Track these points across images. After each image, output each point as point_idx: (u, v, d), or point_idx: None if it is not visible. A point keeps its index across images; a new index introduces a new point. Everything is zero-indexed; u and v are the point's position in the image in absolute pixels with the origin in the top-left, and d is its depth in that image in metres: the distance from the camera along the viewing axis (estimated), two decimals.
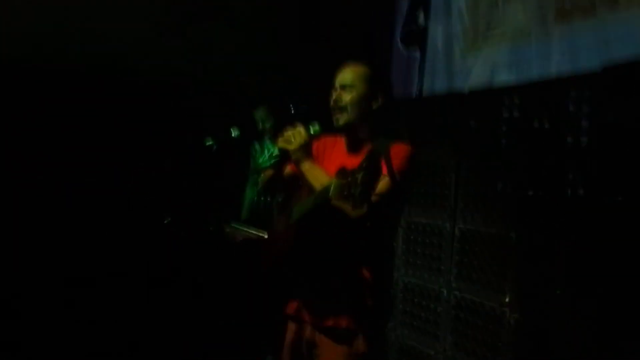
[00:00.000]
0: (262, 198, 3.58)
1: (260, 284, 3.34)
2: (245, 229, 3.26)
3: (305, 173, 1.68)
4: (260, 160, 3.67)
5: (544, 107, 2.21)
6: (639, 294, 1.75)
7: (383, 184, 1.47)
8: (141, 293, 3.76)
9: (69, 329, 3.49)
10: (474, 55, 3.52)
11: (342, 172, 1.41)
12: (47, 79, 3.73)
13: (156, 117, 3.99)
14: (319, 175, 1.65)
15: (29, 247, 3.57)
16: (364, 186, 1.31)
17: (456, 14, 3.68)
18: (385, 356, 2.91)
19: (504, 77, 3.22)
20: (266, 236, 3.03)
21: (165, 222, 3.12)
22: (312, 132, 1.77)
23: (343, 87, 1.75)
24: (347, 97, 1.74)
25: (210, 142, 3.30)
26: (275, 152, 1.81)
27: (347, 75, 1.77)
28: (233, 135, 3.36)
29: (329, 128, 1.85)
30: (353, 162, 1.71)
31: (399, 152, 1.67)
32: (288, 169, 1.89)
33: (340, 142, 1.86)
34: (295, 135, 1.72)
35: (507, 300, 2.25)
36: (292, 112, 3.99)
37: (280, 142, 1.75)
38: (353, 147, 1.80)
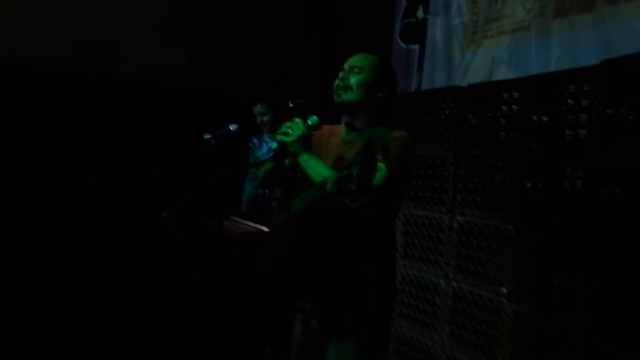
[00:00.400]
0: (260, 192, 3.59)
1: (259, 278, 3.36)
2: (244, 223, 3.26)
3: (303, 165, 1.67)
4: (259, 154, 3.69)
5: (542, 101, 2.23)
6: (636, 287, 1.78)
7: (381, 174, 1.45)
8: (140, 286, 3.77)
9: (68, 324, 3.50)
10: (473, 50, 3.54)
11: (338, 166, 1.41)
12: (45, 76, 3.73)
13: (154, 112, 4.00)
14: (317, 167, 1.64)
15: (28, 245, 3.57)
16: (360, 180, 1.30)
17: (455, 8, 3.70)
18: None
19: (503, 72, 3.24)
20: (265, 229, 3.05)
21: (164, 215, 3.11)
22: (310, 123, 1.77)
23: (352, 68, 1.75)
24: (354, 79, 1.74)
25: (209, 137, 3.32)
26: (274, 145, 1.81)
27: (359, 59, 1.78)
28: (231, 129, 3.38)
29: (327, 121, 1.86)
30: (350, 152, 1.72)
31: (397, 139, 1.66)
32: (287, 162, 1.89)
33: (337, 132, 1.86)
34: (293, 128, 1.72)
35: (505, 291, 2.27)
36: (290, 106, 4.00)
37: (278, 135, 1.75)
38: (350, 137, 1.80)
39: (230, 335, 3.41)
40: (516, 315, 2.22)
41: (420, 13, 4.07)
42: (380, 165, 1.44)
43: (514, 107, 2.40)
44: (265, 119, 3.59)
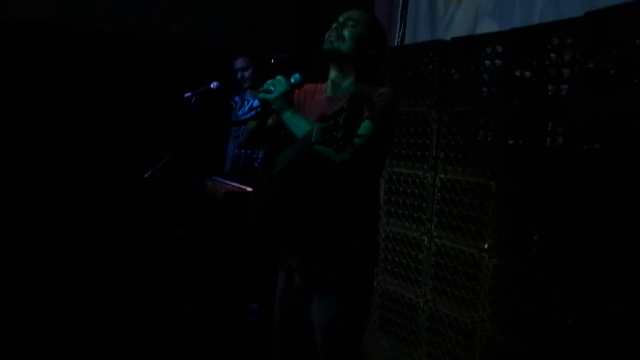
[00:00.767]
0: (243, 152, 3.55)
1: (244, 235, 3.38)
2: (228, 183, 3.25)
3: (286, 122, 1.66)
4: (240, 113, 3.62)
5: (525, 55, 2.20)
6: (615, 238, 1.81)
7: (366, 126, 1.44)
8: (126, 248, 3.78)
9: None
10: (457, 2, 3.46)
11: (323, 116, 1.39)
12: (16, 30, 3.57)
13: (131, 68, 3.88)
14: (300, 123, 1.63)
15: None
16: (347, 128, 1.28)
17: None
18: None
19: (487, 24, 3.19)
20: (249, 190, 3.04)
21: (145, 176, 3.07)
22: (292, 81, 1.74)
23: (347, 20, 1.75)
24: (348, 31, 1.73)
25: (189, 94, 3.24)
26: (256, 103, 1.77)
27: (355, 13, 1.77)
28: (212, 87, 3.30)
29: (310, 77, 1.82)
30: (334, 108, 1.70)
31: (382, 95, 1.65)
32: (270, 120, 1.86)
33: (321, 90, 1.84)
34: (275, 85, 1.69)
35: (485, 246, 2.32)
36: (272, 61, 3.90)
37: (261, 93, 1.72)
38: (334, 91, 1.78)
39: (215, 292, 3.46)
40: (496, 269, 2.27)
41: None
42: (365, 120, 1.42)
43: (497, 61, 2.36)
44: (246, 73, 3.51)
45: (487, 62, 2.40)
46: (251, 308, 3.43)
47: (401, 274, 2.79)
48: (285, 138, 1.78)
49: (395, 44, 3.87)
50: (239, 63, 3.51)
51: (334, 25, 1.76)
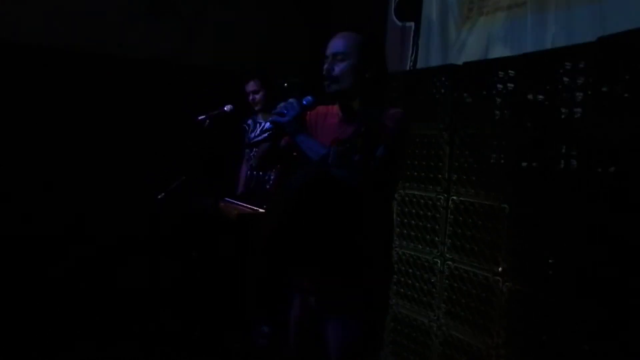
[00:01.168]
0: (255, 174, 3.58)
1: (256, 258, 3.38)
2: (241, 205, 3.26)
3: (300, 145, 1.67)
4: (253, 135, 3.66)
5: (538, 79, 2.21)
6: (629, 263, 1.79)
7: (380, 148, 1.45)
8: (139, 267, 3.79)
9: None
10: (469, 27, 3.51)
11: (337, 140, 1.41)
12: (35, 56, 3.67)
13: (146, 93, 3.96)
14: (314, 146, 1.64)
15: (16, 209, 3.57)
16: (364, 152, 1.30)
17: None
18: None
19: (499, 49, 3.22)
20: (261, 211, 3.05)
21: (159, 197, 3.10)
22: (304, 103, 1.76)
23: (335, 55, 1.71)
24: (339, 66, 1.70)
25: (203, 117, 3.30)
26: (267, 126, 1.80)
27: (339, 43, 1.72)
28: (226, 110, 3.35)
29: (322, 100, 1.84)
30: (346, 132, 1.72)
31: (392, 117, 1.66)
32: (282, 142, 1.88)
33: (333, 113, 1.85)
34: (287, 108, 1.71)
35: (499, 269, 2.29)
36: (285, 85, 3.97)
37: (273, 116, 1.74)
38: (346, 118, 1.78)
39: (228, 315, 3.43)
40: (511, 293, 2.24)
41: None
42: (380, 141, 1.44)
43: (510, 85, 2.38)
44: (257, 96, 3.56)
45: (500, 86, 2.42)
46: (262, 331, 3.40)
47: (414, 297, 2.76)
48: (298, 160, 1.79)
49: (408, 69, 3.91)
50: (250, 86, 3.57)
51: (325, 67, 1.73)
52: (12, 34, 3.62)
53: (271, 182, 3.49)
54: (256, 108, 3.62)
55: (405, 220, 2.82)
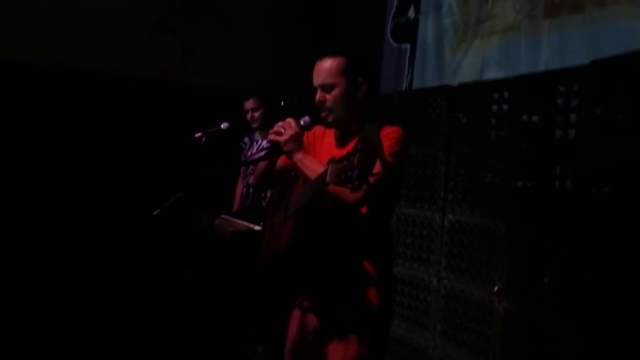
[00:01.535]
0: (251, 190, 3.58)
1: (252, 277, 3.36)
2: (236, 222, 3.26)
3: (298, 164, 1.67)
4: (249, 153, 3.68)
5: (532, 101, 2.25)
6: (625, 284, 1.80)
7: (378, 168, 1.46)
8: (132, 284, 3.75)
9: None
10: (464, 50, 3.56)
11: (334, 159, 1.41)
12: (35, 75, 3.70)
13: (145, 110, 3.98)
14: (312, 165, 1.64)
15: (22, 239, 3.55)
16: (361, 168, 1.30)
17: (446, 8, 3.72)
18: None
19: (494, 72, 3.27)
20: (256, 228, 3.04)
21: (155, 213, 3.08)
22: (302, 123, 1.77)
23: (324, 86, 1.70)
24: (329, 97, 1.70)
25: (199, 135, 3.31)
26: (264, 144, 1.80)
27: (323, 75, 1.70)
28: (222, 128, 3.37)
29: (319, 119, 1.85)
30: (343, 152, 1.73)
31: (389, 134, 1.66)
32: (280, 161, 1.88)
33: (330, 133, 1.86)
34: (285, 127, 1.71)
35: (495, 289, 2.29)
36: (282, 104, 3.99)
37: (271, 135, 1.74)
38: (343, 138, 1.79)
39: (222, 334, 3.40)
40: (507, 313, 2.24)
41: (411, 12, 4.08)
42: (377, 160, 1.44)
43: (504, 106, 2.42)
44: (256, 114, 3.57)
45: (495, 107, 2.46)
46: (257, 351, 3.36)
47: (409, 316, 2.75)
48: (295, 178, 1.80)
49: (403, 90, 3.96)
50: (250, 104, 3.58)
51: (317, 98, 1.72)
52: (14, 51, 3.64)
53: (267, 199, 3.49)
54: (254, 126, 3.63)
55: (401, 239, 2.83)
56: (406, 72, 4.04)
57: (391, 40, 4.27)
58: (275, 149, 1.74)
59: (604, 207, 1.90)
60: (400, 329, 2.79)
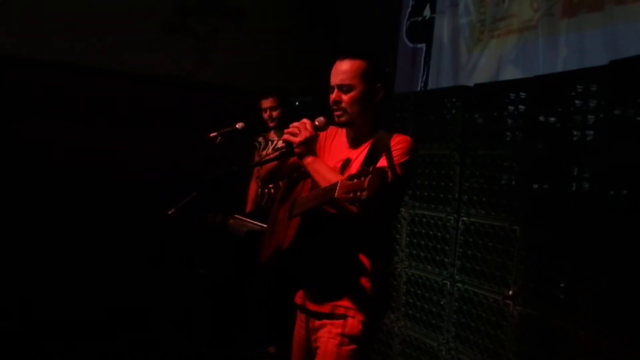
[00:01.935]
0: (266, 191, 3.58)
1: (263, 275, 3.36)
2: (250, 222, 3.26)
3: (307, 167, 1.68)
4: (264, 153, 3.68)
5: (549, 101, 2.21)
6: None
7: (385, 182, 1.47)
8: (146, 284, 3.78)
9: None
10: (480, 49, 3.52)
11: (349, 176, 1.41)
12: (50, 74, 3.75)
13: (160, 109, 4.01)
14: (321, 170, 1.65)
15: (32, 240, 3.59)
16: (370, 192, 1.31)
17: (462, 7, 3.68)
18: (389, 348, 2.93)
19: (510, 72, 3.23)
20: None
21: (169, 213, 3.09)
22: (317, 124, 1.76)
23: (341, 86, 1.70)
24: (345, 98, 1.70)
25: (214, 134, 3.32)
26: (279, 144, 1.80)
27: (342, 75, 1.70)
28: (237, 127, 3.37)
29: (332, 120, 1.85)
30: (354, 154, 1.74)
31: (399, 143, 1.66)
32: (291, 161, 1.88)
33: (342, 133, 1.86)
34: (300, 128, 1.71)
35: (510, 292, 2.26)
36: (297, 104, 3.99)
37: (286, 135, 1.74)
38: (355, 140, 1.79)
39: (234, 334, 3.41)
40: (521, 317, 2.21)
41: (427, 12, 4.05)
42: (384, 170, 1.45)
43: (521, 107, 2.38)
44: (274, 113, 3.56)
45: (511, 108, 2.42)
46: (268, 352, 3.37)
47: (422, 319, 2.72)
48: (305, 175, 1.80)
49: (419, 90, 3.93)
50: (268, 102, 3.56)
51: (332, 97, 1.73)
52: (27, 49, 3.69)
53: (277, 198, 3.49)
54: (271, 125, 3.62)
55: (415, 241, 2.80)
56: (421, 72, 4.01)
57: (406, 40, 4.25)
58: (288, 149, 1.74)
59: (621, 210, 1.86)
60: (413, 332, 2.77)
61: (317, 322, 1.74)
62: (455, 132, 2.63)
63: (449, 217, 2.61)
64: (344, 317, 1.67)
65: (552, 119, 2.22)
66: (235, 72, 4.44)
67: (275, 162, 1.88)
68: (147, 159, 3.90)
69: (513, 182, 2.36)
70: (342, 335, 1.67)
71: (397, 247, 2.90)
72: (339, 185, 1.41)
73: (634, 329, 1.77)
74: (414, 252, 2.80)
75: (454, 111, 2.68)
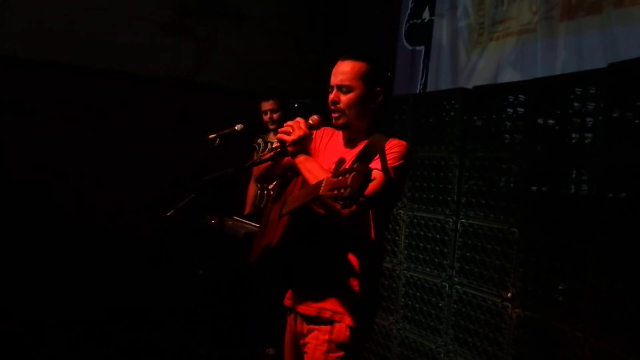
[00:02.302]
0: (265, 192, 3.58)
1: (262, 277, 3.36)
2: (248, 223, 3.26)
3: (299, 166, 1.67)
4: (263, 154, 3.67)
5: (548, 104, 2.22)
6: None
7: (375, 183, 1.44)
8: (143, 285, 3.78)
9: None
10: (479, 52, 3.53)
11: (335, 170, 1.41)
12: (49, 73, 3.75)
13: (159, 110, 4.01)
14: (312, 169, 1.63)
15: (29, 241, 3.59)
16: (354, 188, 1.30)
17: (461, 10, 3.68)
18: (387, 350, 2.93)
19: (509, 74, 3.23)
20: None
21: (167, 214, 3.10)
22: (311, 123, 1.76)
23: (340, 88, 1.70)
24: (343, 98, 1.69)
25: (213, 136, 3.32)
26: (274, 144, 1.79)
27: (342, 76, 1.69)
28: (236, 129, 3.37)
29: (329, 121, 1.85)
30: (349, 155, 1.73)
31: (394, 147, 1.65)
32: (285, 160, 1.88)
33: (338, 136, 1.85)
34: (294, 127, 1.70)
35: (509, 295, 2.26)
36: (295, 106, 3.99)
37: (280, 134, 1.74)
38: (350, 141, 1.78)
39: (233, 335, 3.41)
40: (520, 319, 2.21)
41: (426, 14, 4.06)
42: (376, 173, 1.44)
43: (520, 109, 2.38)
44: (275, 115, 3.56)
45: (510, 110, 2.42)
46: (267, 354, 3.36)
47: (421, 321, 2.72)
48: (298, 174, 1.79)
49: (417, 92, 3.93)
50: (269, 105, 3.56)
51: (331, 97, 1.72)
52: (28, 50, 3.69)
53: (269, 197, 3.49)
54: (271, 127, 3.62)
55: (414, 243, 2.80)
56: (420, 74, 4.01)
57: (405, 42, 4.25)
58: (283, 148, 1.74)
59: (620, 212, 1.86)
60: (411, 334, 2.77)
61: (305, 327, 1.72)
62: (454, 134, 2.63)
63: (447, 219, 2.61)
64: (330, 322, 1.65)
65: (551, 122, 2.23)
66: (235, 73, 4.44)
67: (268, 162, 1.87)
68: (147, 159, 3.90)
69: (512, 185, 2.37)
70: (330, 342, 1.65)
71: (396, 249, 2.90)
72: (324, 182, 1.40)
73: (632, 332, 1.77)
74: (413, 254, 2.80)
75: (452, 113, 2.68)
